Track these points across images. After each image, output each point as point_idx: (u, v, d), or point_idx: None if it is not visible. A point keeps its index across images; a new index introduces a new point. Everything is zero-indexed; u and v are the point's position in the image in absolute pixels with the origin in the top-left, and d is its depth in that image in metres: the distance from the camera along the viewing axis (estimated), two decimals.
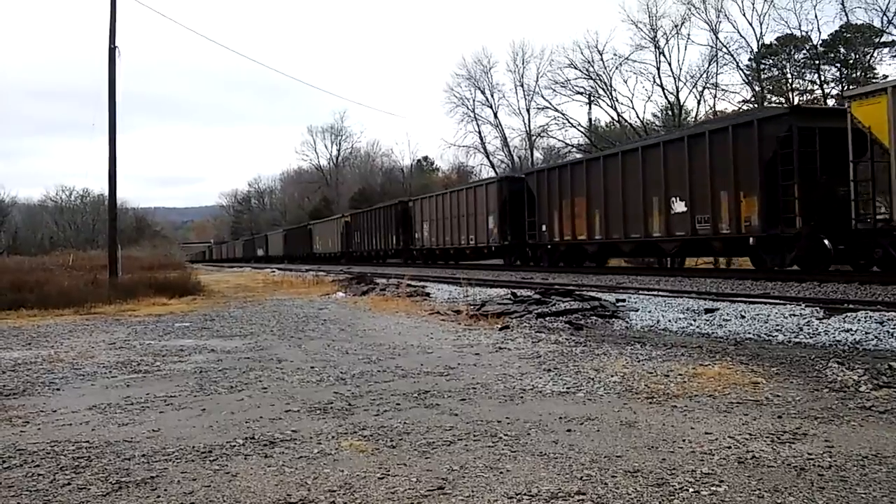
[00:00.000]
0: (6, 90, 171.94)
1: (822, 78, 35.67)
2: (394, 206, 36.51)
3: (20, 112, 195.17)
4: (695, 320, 8.55)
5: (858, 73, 33.29)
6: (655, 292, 11.65)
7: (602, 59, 42.42)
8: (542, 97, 48.20)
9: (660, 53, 39.76)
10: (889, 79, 22.86)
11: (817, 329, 7.29)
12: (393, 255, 37.25)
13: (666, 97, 40.76)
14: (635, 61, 41.27)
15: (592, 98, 43.67)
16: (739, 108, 36.90)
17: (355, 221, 43.51)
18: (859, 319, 7.39)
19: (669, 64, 39.97)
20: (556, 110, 46.73)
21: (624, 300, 10.60)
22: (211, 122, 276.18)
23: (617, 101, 43.06)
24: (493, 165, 54.14)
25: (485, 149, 55.45)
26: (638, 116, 43.30)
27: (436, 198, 31.47)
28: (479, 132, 55.03)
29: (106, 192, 20.54)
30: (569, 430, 3.97)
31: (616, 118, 43.82)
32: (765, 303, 9.18)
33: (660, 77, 40.14)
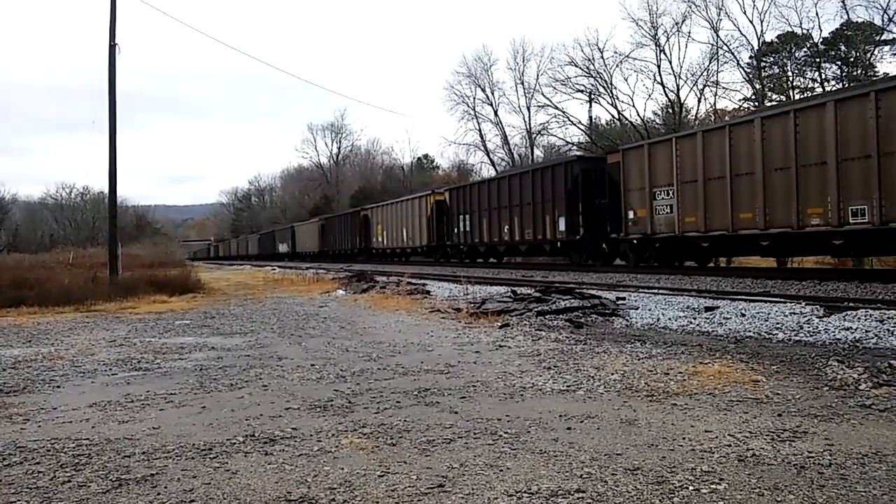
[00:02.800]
0: (7, 88, 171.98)
1: (823, 76, 35.61)
2: (560, 168, 20.92)
3: (21, 110, 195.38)
4: (695, 318, 8.55)
5: (859, 71, 33.25)
6: (655, 290, 11.65)
7: (602, 57, 42.30)
8: (543, 95, 48.07)
9: (660, 51, 39.65)
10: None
11: (817, 327, 7.29)
12: (557, 249, 21.91)
13: (667, 95, 40.66)
14: (636, 59, 41.15)
15: (593, 96, 43.57)
16: (740, 106, 36.89)
17: (457, 200, 27.97)
18: (859, 318, 7.39)
19: (670, 62, 39.84)
20: (557, 108, 46.60)
21: (624, 298, 10.60)
22: (213, 121, 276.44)
23: (617, 98, 42.92)
24: (493, 163, 54.09)
25: (485, 147, 55.35)
26: (638, 114, 43.26)
27: (678, 141, 16.35)
28: (480, 130, 54.93)
29: (106, 190, 20.55)
30: (569, 428, 3.97)
31: (616, 116, 43.73)
32: (765, 301, 9.18)
33: (660, 75, 40.03)
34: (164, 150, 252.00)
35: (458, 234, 27.97)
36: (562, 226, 20.72)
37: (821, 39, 35.15)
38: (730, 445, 3.55)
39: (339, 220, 46.30)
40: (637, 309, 9.64)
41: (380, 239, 37.30)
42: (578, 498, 2.89)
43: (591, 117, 45.81)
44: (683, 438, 3.69)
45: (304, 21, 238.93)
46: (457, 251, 28.76)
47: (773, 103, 17.76)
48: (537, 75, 49.35)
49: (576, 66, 43.23)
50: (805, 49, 36.06)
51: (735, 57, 37.18)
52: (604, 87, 42.78)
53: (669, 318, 8.73)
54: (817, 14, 43.51)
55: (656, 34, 39.21)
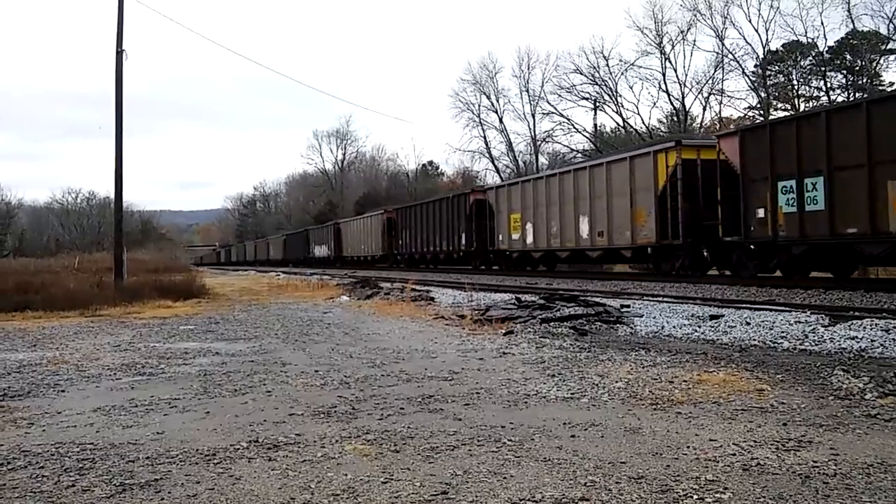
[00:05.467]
0: (15, 94, 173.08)
1: (829, 85, 35.63)
2: None
3: (28, 115, 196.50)
4: (699, 327, 8.52)
5: (864, 80, 33.24)
6: (660, 298, 11.63)
7: (608, 65, 42.48)
8: (548, 102, 48.30)
9: (665, 59, 39.82)
10: None
11: (822, 336, 7.27)
12: None
13: (671, 103, 40.79)
14: (641, 67, 41.35)
15: (598, 103, 43.67)
16: (745, 115, 36.89)
17: (761, 153, 13.62)
18: (864, 327, 7.36)
19: (675, 70, 40.01)
20: (562, 115, 46.81)
21: (628, 306, 10.58)
22: (219, 127, 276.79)
23: (622, 106, 43.14)
24: (497, 171, 54.17)
25: (490, 154, 55.55)
26: (643, 122, 43.32)
27: None
28: (485, 137, 55.16)
29: (112, 195, 20.65)
30: (573, 436, 3.96)
31: (621, 124, 43.87)
32: (770, 310, 9.16)
33: (665, 83, 40.18)
34: (171, 157, 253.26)
35: (759, 221, 13.93)
36: None
37: (826, 48, 35.21)
38: (734, 454, 3.53)
39: (423, 209, 31.57)
40: (641, 317, 9.63)
41: (514, 236, 24.28)
42: None
43: (595, 125, 45.94)
44: (688, 447, 3.68)
45: (309, 28, 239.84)
46: (750, 256, 14.87)
47: None
48: (542, 83, 49.63)
49: (581, 73, 43.49)
50: (810, 58, 36.11)
51: (740, 65, 37.34)
52: (609, 94, 42.97)
53: (674, 326, 8.71)
54: (822, 23, 43.32)
55: (661, 42, 39.39)
